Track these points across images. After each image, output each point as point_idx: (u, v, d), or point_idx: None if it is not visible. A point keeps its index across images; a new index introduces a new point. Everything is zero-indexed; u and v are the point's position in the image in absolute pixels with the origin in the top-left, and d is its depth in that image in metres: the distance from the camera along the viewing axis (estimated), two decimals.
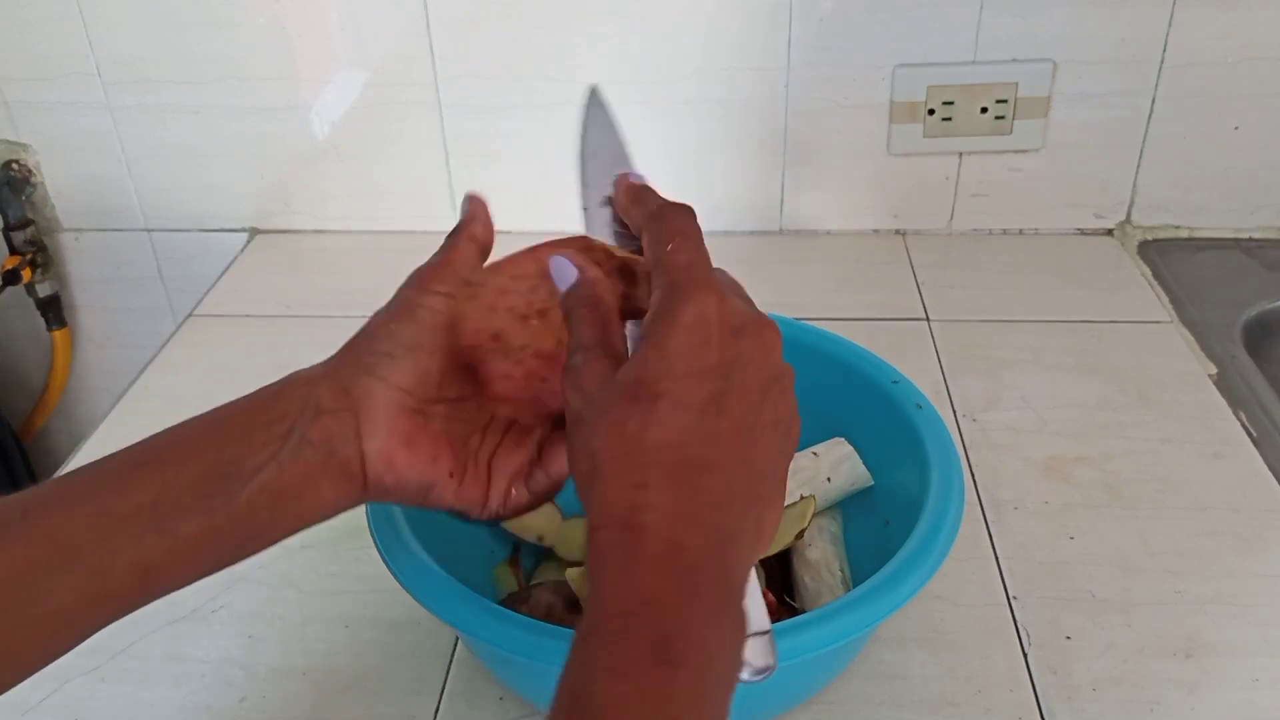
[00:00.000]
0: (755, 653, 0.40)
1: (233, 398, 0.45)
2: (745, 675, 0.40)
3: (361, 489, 0.45)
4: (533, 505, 0.48)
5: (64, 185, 1.12)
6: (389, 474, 0.45)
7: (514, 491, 0.48)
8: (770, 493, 0.41)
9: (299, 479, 0.43)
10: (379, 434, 0.44)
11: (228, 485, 0.42)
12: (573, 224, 1.13)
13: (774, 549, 0.60)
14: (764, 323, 0.42)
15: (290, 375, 0.46)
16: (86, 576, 0.39)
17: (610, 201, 0.50)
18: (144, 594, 0.41)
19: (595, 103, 0.51)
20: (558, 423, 0.49)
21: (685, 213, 0.46)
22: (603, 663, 0.34)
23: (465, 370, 0.48)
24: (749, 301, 0.44)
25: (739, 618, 0.37)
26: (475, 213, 0.52)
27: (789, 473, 0.63)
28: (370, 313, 0.48)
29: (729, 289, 0.43)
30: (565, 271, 0.46)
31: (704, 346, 0.39)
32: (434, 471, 0.46)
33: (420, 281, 0.48)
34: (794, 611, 0.61)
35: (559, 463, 0.48)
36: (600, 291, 0.45)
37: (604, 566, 0.36)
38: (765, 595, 0.58)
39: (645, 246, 0.45)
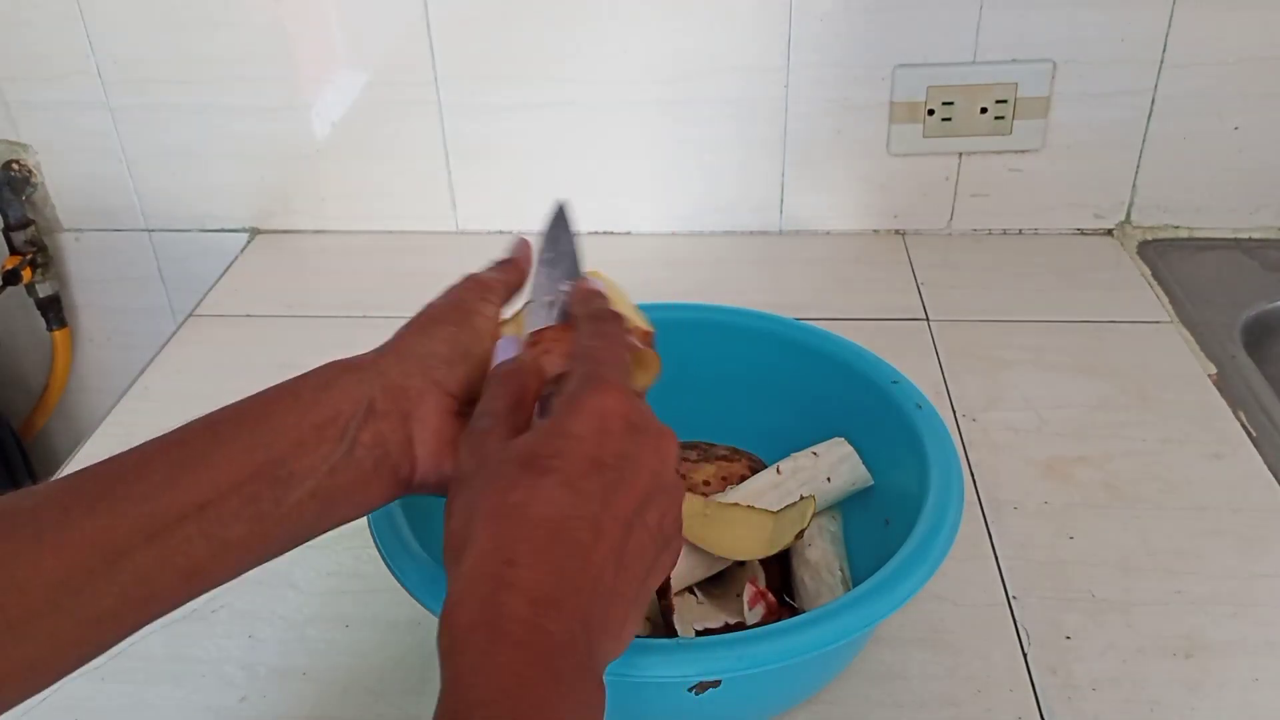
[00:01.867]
0: None
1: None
2: None
3: (406, 488, 0.46)
4: None
5: (64, 185, 1.12)
6: (434, 474, 0.45)
7: None
8: (636, 596, 0.40)
9: (350, 482, 0.43)
10: (430, 439, 0.45)
11: (276, 489, 0.41)
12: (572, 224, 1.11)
13: (774, 549, 0.60)
14: (665, 432, 0.42)
15: (331, 366, 0.45)
16: (133, 581, 0.39)
17: (553, 304, 0.51)
18: (187, 595, 0.41)
19: (561, 216, 0.54)
20: None
21: (615, 319, 0.47)
22: None
23: None
24: (650, 412, 0.44)
25: (596, 706, 0.36)
26: (523, 253, 0.53)
27: (790, 472, 0.64)
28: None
29: (636, 395, 0.44)
30: (506, 350, 0.47)
31: (602, 435, 0.40)
32: None
33: (478, 286, 0.49)
34: (794, 611, 0.61)
35: None
36: (527, 371, 0.46)
37: (465, 648, 0.35)
38: (765, 595, 0.58)
39: (575, 338, 0.47)
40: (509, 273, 0.51)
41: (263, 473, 0.41)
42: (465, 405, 0.46)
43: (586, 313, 0.48)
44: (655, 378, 0.52)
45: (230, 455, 0.41)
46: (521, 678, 0.34)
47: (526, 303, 0.51)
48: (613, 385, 0.42)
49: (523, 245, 0.54)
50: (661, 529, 0.41)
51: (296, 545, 0.44)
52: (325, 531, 0.44)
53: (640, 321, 0.52)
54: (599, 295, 0.49)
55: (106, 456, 0.42)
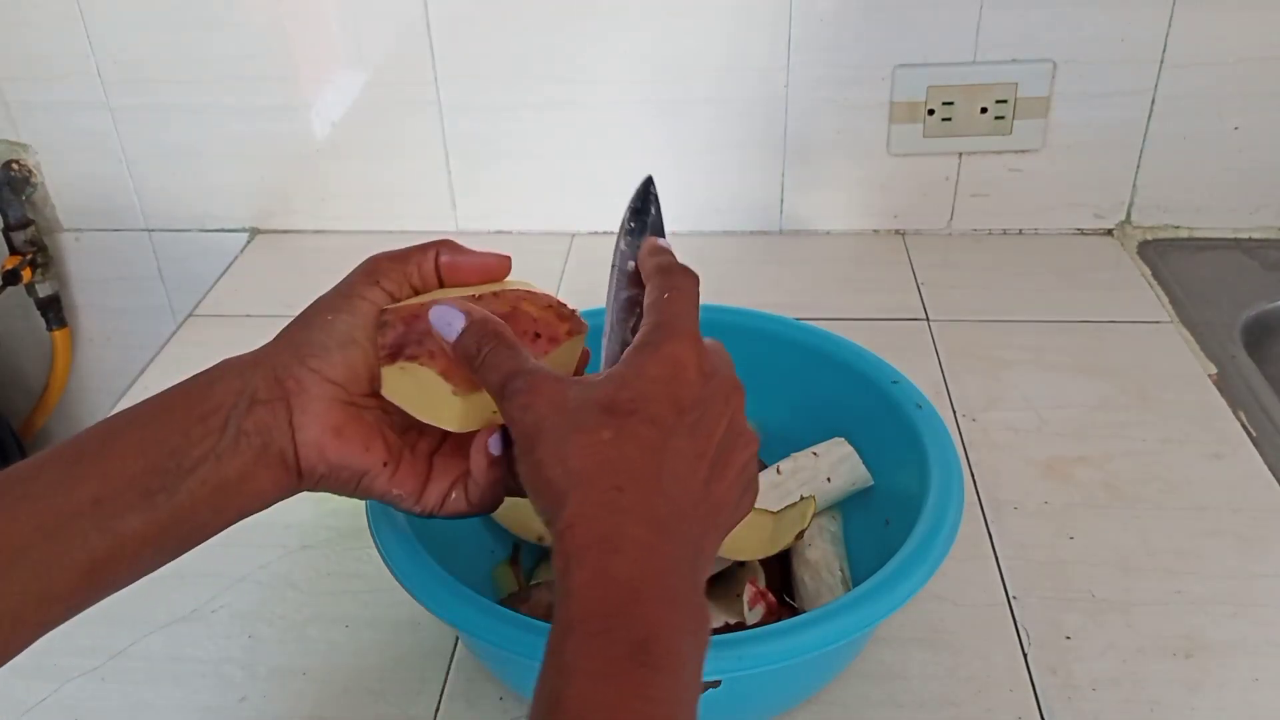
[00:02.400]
0: None
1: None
2: None
3: (296, 478, 0.46)
4: (470, 513, 0.48)
5: (64, 185, 1.12)
6: (321, 463, 0.45)
7: (453, 495, 0.48)
8: (725, 523, 0.42)
9: (237, 471, 0.44)
10: (311, 425, 0.45)
11: (168, 479, 0.42)
12: (571, 222, 1.13)
13: (774, 549, 0.60)
14: (733, 382, 0.44)
15: (223, 362, 0.46)
16: (32, 577, 0.39)
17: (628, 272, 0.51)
18: (89, 594, 0.41)
19: (647, 190, 0.53)
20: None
21: (688, 274, 0.48)
22: (583, 665, 0.34)
23: None
24: (728, 364, 0.45)
25: (706, 627, 0.38)
26: (481, 260, 0.50)
27: (790, 472, 0.64)
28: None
29: (713, 348, 0.45)
30: (450, 317, 0.45)
31: (678, 380, 0.41)
32: (366, 460, 0.46)
33: (370, 270, 0.48)
34: (794, 611, 0.61)
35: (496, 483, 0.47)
36: (496, 324, 0.45)
37: (581, 565, 0.36)
38: (765, 595, 0.58)
39: (646, 293, 0.47)
40: (421, 254, 0.49)
41: (154, 465, 0.42)
42: (354, 393, 0.46)
43: (654, 265, 0.48)
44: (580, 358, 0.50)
45: (123, 451, 0.42)
46: (637, 592, 0.35)
47: (612, 268, 0.51)
48: (684, 333, 0.43)
49: (492, 256, 0.51)
50: (741, 473, 0.43)
51: (195, 543, 0.44)
52: (224, 526, 0.45)
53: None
54: (666, 251, 0.49)
55: None
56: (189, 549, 0.44)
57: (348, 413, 0.46)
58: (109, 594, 0.42)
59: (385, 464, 0.47)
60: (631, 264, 0.50)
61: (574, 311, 0.50)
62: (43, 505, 0.40)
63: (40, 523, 0.40)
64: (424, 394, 0.46)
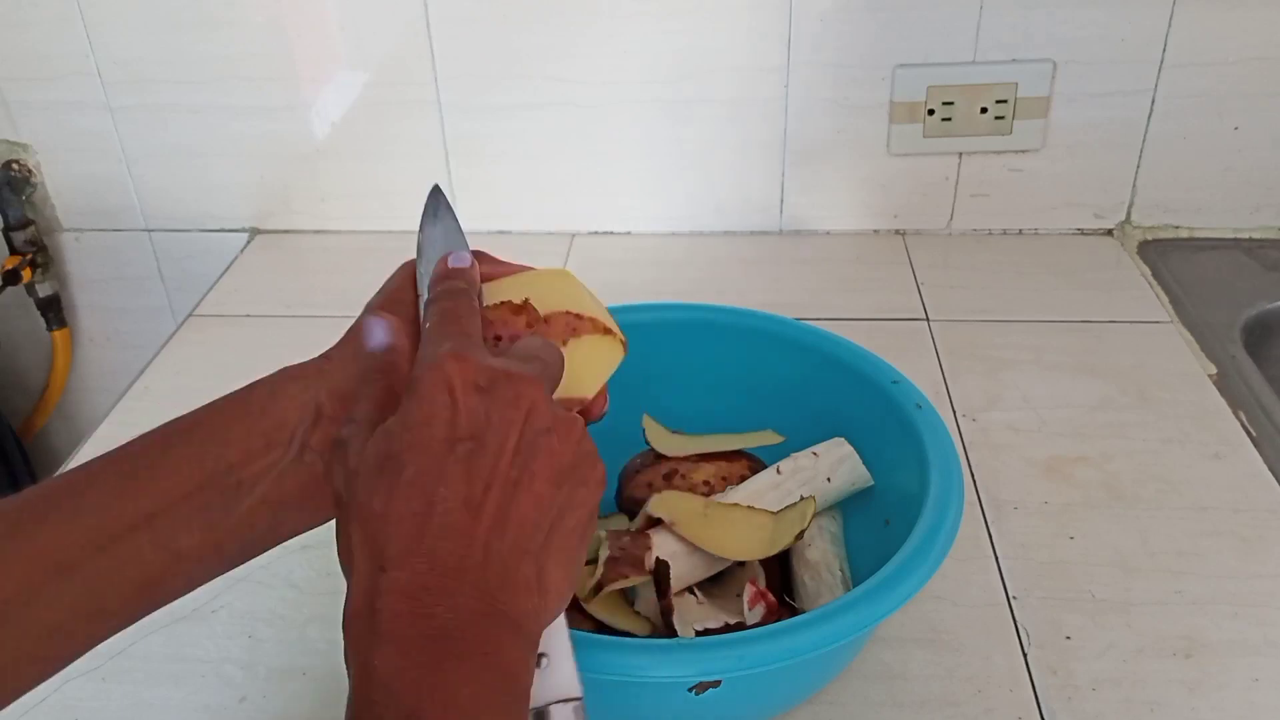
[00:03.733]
0: (562, 718, 0.39)
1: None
2: None
3: None
4: None
5: (64, 185, 1.12)
6: None
7: None
8: (545, 546, 0.38)
9: (299, 488, 0.43)
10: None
11: (227, 497, 0.41)
12: (572, 222, 1.14)
13: (774, 549, 0.60)
14: (516, 376, 0.40)
15: (283, 371, 0.45)
16: (84, 594, 0.39)
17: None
18: (142, 608, 0.41)
19: (435, 201, 0.53)
20: None
21: (455, 295, 0.45)
22: None
23: None
24: (529, 359, 0.42)
25: (510, 669, 0.36)
26: (508, 269, 0.50)
27: (790, 472, 0.64)
28: None
29: (517, 349, 0.43)
30: (375, 332, 0.45)
31: (450, 410, 0.38)
32: None
33: (411, 273, 0.48)
34: (794, 611, 0.61)
35: None
36: (399, 363, 0.44)
37: (351, 664, 0.35)
38: (765, 595, 0.58)
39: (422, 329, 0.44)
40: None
41: (212, 482, 0.41)
42: None
43: (432, 296, 0.46)
44: (618, 359, 0.49)
45: (179, 465, 0.41)
46: (399, 670, 0.34)
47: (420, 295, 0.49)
48: (447, 357, 0.39)
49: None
50: (557, 468, 0.39)
51: (252, 556, 0.43)
52: (282, 541, 0.44)
53: (599, 313, 0.49)
54: (452, 274, 0.47)
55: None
56: (241, 564, 0.43)
57: None
58: (160, 607, 0.41)
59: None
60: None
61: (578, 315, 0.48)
62: (95, 520, 0.39)
63: (93, 539, 0.39)
64: None
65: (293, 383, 0.44)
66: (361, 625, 0.36)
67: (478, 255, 0.49)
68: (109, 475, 0.41)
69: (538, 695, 0.39)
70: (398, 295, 0.47)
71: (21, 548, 0.38)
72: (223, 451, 0.42)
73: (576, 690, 0.40)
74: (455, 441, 0.38)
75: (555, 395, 0.44)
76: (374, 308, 0.47)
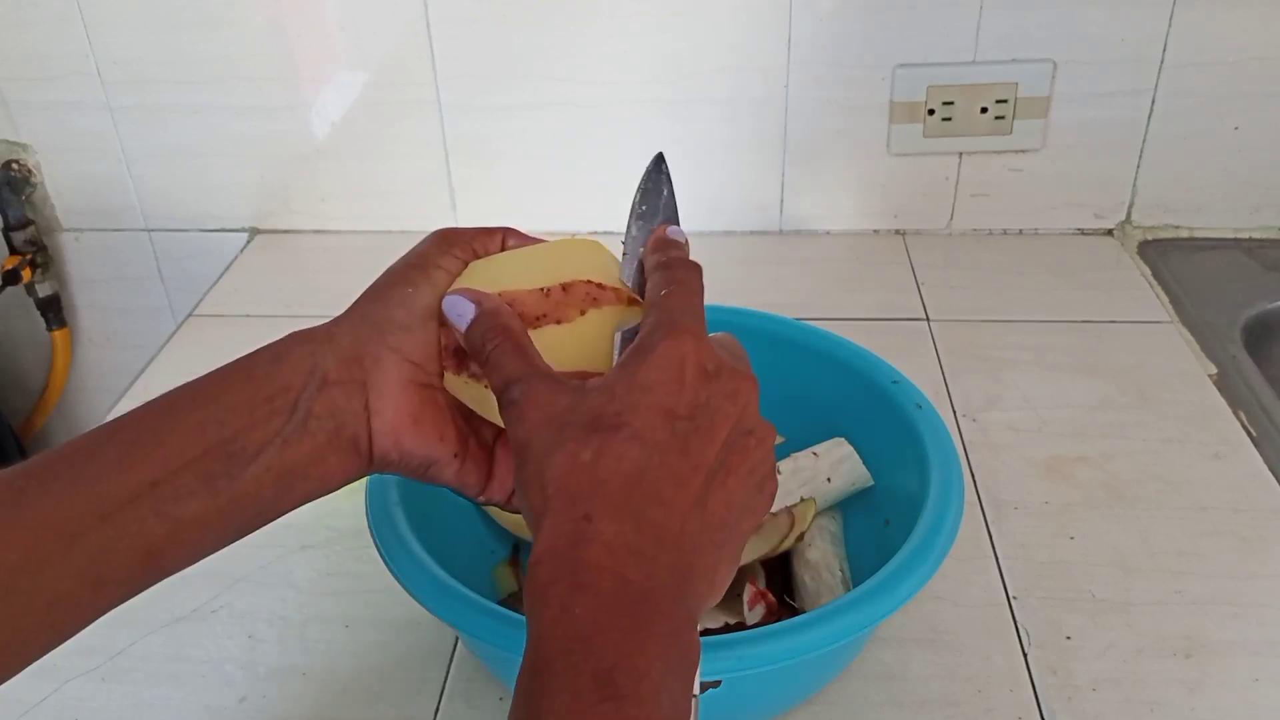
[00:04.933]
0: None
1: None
2: None
3: (367, 464, 0.44)
4: None
5: (64, 185, 1.12)
6: (394, 450, 0.44)
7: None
8: (726, 540, 0.40)
9: (305, 455, 0.42)
10: (387, 410, 0.44)
11: (230, 464, 0.41)
12: (571, 222, 1.14)
13: (774, 550, 0.60)
14: (742, 375, 0.41)
15: (290, 336, 0.44)
16: (88, 562, 0.38)
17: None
18: (147, 577, 0.40)
19: (658, 168, 0.52)
20: None
21: (691, 267, 0.46)
22: (547, 705, 0.33)
23: None
24: (739, 358, 0.44)
25: (689, 652, 0.36)
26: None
27: (790, 472, 0.64)
28: None
29: (721, 343, 0.43)
30: (462, 308, 0.45)
31: (674, 384, 0.39)
32: (439, 450, 0.45)
33: (444, 238, 0.47)
34: (794, 611, 0.61)
35: None
36: (506, 318, 0.44)
37: (545, 603, 0.35)
38: (765, 595, 0.59)
39: (647, 289, 0.45)
40: (489, 235, 0.49)
41: (215, 449, 0.41)
42: (430, 373, 0.45)
43: (660, 261, 0.46)
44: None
45: (182, 432, 0.41)
46: (600, 625, 0.34)
47: (623, 255, 0.49)
48: (685, 331, 0.40)
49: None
50: (750, 472, 0.40)
51: (258, 525, 0.43)
52: (288, 509, 0.43)
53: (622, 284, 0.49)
54: (674, 244, 0.47)
55: None
56: (250, 532, 0.43)
57: (423, 396, 0.45)
58: (167, 576, 0.41)
59: (455, 455, 0.46)
60: (641, 250, 0.48)
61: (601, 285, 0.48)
62: (99, 489, 0.39)
63: (96, 507, 0.39)
64: (486, 402, 0.45)
65: (298, 347, 0.44)
66: (561, 565, 0.36)
67: (507, 232, 0.49)
68: (111, 444, 0.41)
69: None
70: (421, 261, 0.47)
71: (25, 515, 0.38)
72: (225, 418, 0.41)
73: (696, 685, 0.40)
74: (676, 418, 0.39)
75: (568, 368, 0.45)
76: (394, 271, 0.47)
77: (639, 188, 0.50)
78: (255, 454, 0.41)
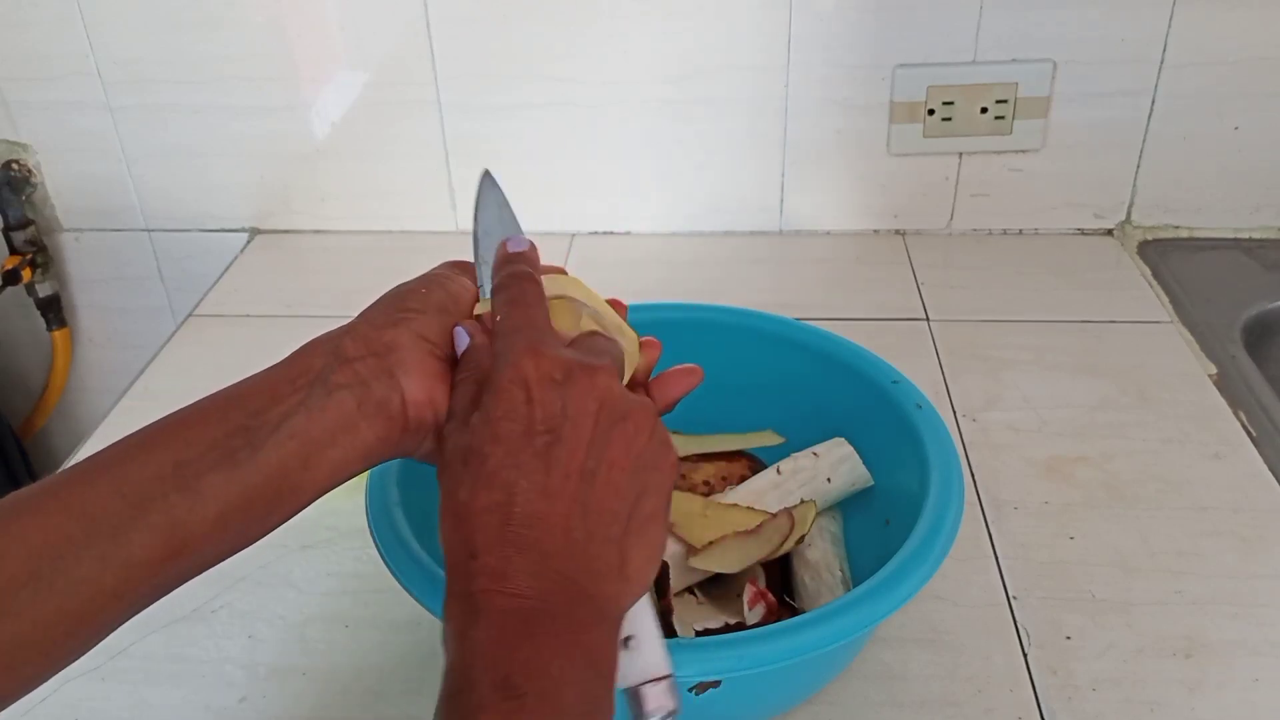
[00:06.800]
0: (654, 697, 0.41)
1: None
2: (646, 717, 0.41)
3: (401, 427, 0.44)
4: None
5: (64, 185, 1.12)
6: (429, 408, 0.44)
7: None
8: (623, 532, 0.40)
9: (333, 422, 0.42)
10: (413, 373, 0.44)
11: (252, 436, 0.41)
12: (571, 222, 1.13)
13: (774, 553, 0.60)
14: (591, 368, 0.42)
15: (310, 340, 0.46)
16: (112, 543, 0.38)
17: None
18: (174, 561, 0.40)
19: (489, 185, 0.52)
20: None
21: (524, 279, 0.46)
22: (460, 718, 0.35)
23: None
24: (597, 353, 0.44)
25: (596, 647, 0.38)
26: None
27: (790, 472, 0.64)
28: None
29: (581, 343, 0.44)
30: (461, 338, 0.46)
31: (527, 405, 0.40)
32: None
33: (451, 266, 0.50)
34: (794, 611, 0.61)
35: None
36: (478, 358, 0.45)
37: (450, 636, 0.38)
38: (765, 595, 0.58)
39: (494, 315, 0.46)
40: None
41: (237, 426, 0.41)
42: (446, 353, 0.46)
43: (498, 284, 0.47)
44: (648, 359, 0.50)
45: (205, 417, 0.42)
46: (495, 642, 0.37)
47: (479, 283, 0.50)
48: (522, 351, 0.42)
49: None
50: (632, 457, 0.41)
51: (292, 505, 0.42)
52: (320, 490, 0.43)
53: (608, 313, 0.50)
54: (515, 258, 0.48)
55: None
56: (282, 517, 0.42)
57: (442, 365, 0.45)
58: (195, 567, 0.41)
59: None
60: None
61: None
62: (121, 471, 0.40)
63: (119, 487, 0.39)
64: None
65: (315, 341, 0.45)
66: (459, 606, 0.38)
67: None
68: (136, 436, 0.42)
69: (628, 676, 0.41)
70: (432, 276, 0.49)
71: (48, 503, 0.39)
72: (247, 401, 0.42)
73: (665, 668, 0.42)
74: (533, 434, 0.40)
75: None
76: (406, 283, 0.48)
77: (475, 209, 0.51)
78: (277, 424, 0.42)
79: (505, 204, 0.52)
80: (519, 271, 0.47)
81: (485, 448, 0.40)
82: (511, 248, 0.49)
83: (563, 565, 0.38)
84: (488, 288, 0.48)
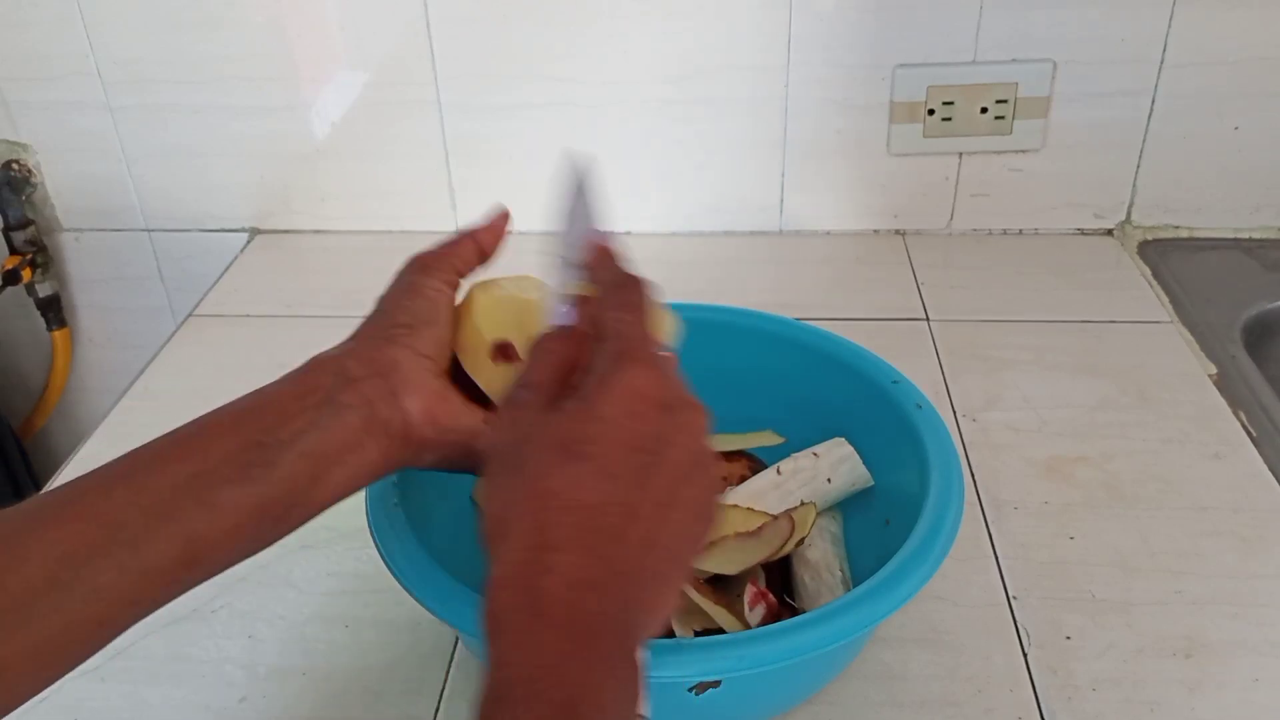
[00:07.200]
0: None
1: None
2: None
3: (403, 446, 0.46)
4: None
5: (64, 185, 1.12)
6: (430, 426, 0.46)
7: None
8: (671, 573, 0.40)
9: (341, 441, 0.44)
10: (414, 392, 0.46)
11: (266, 453, 0.42)
12: None
13: (774, 555, 0.60)
14: (694, 405, 0.42)
15: (312, 358, 0.47)
16: (129, 553, 0.39)
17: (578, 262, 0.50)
18: (189, 570, 0.41)
19: (580, 170, 0.52)
20: None
21: (637, 287, 0.46)
22: None
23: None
24: (682, 383, 0.44)
25: (631, 683, 0.37)
26: (492, 222, 0.55)
27: (790, 472, 0.64)
28: (369, 313, 0.49)
29: (667, 367, 0.44)
30: (559, 314, 0.47)
31: (635, 417, 0.40)
32: (474, 418, 0.48)
33: (419, 265, 0.51)
34: (794, 611, 0.61)
35: None
36: (577, 343, 0.45)
37: (506, 628, 0.36)
38: (765, 595, 0.58)
39: (599, 309, 0.45)
40: (456, 245, 0.52)
41: (252, 441, 0.43)
42: (442, 367, 0.48)
43: (607, 279, 0.47)
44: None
45: (219, 431, 0.43)
46: (562, 655, 0.35)
47: (558, 259, 0.51)
48: (641, 363, 0.41)
49: (497, 215, 0.56)
50: (697, 503, 0.41)
51: (300, 518, 0.44)
52: (327, 503, 0.45)
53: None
54: (614, 256, 0.49)
55: (106, 457, 0.42)
56: (292, 526, 0.44)
57: (444, 381, 0.48)
58: (207, 575, 0.42)
59: (487, 421, 0.48)
60: (574, 258, 0.50)
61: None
62: (138, 483, 0.41)
63: (135, 499, 0.40)
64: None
65: (319, 360, 0.47)
66: (520, 593, 0.36)
67: (471, 236, 0.54)
68: (151, 449, 0.43)
69: None
70: (407, 285, 0.50)
71: (65, 513, 0.39)
72: (260, 417, 0.43)
73: (644, 710, 0.41)
74: (635, 450, 0.39)
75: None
76: (384, 297, 0.50)
77: (564, 190, 0.52)
78: (290, 441, 0.43)
79: (596, 193, 0.52)
80: (633, 276, 0.47)
81: (588, 446, 0.39)
82: (613, 246, 0.49)
83: (625, 589, 0.37)
84: (569, 271, 0.49)
